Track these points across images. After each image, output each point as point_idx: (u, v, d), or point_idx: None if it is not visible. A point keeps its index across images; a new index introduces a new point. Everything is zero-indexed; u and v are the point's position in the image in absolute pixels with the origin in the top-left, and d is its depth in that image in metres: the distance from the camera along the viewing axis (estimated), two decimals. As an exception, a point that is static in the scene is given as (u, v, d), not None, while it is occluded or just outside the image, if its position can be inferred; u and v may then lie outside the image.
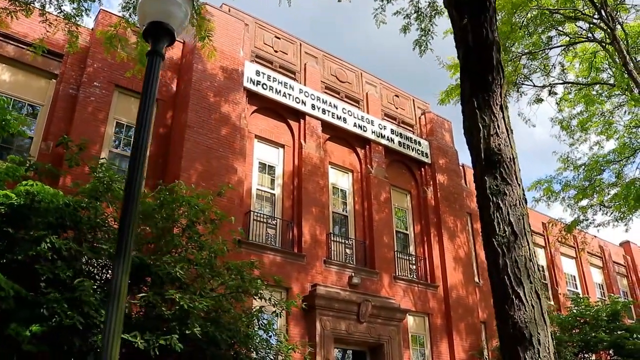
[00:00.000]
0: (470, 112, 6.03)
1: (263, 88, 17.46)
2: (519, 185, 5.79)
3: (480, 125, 5.89)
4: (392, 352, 16.68)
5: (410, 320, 18.26)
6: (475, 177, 5.98)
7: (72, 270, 8.09)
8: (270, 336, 10.28)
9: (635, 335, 18.68)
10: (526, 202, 5.80)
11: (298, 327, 15.41)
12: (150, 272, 8.76)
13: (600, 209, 22.66)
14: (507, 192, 5.69)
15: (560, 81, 20.97)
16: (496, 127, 5.85)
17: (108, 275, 9.02)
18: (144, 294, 8.33)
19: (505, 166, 5.75)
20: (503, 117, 5.92)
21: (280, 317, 12.07)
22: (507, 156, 5.78)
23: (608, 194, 21.87)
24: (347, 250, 17.83)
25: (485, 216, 5.76)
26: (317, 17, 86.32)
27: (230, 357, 9.10)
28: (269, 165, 17.39)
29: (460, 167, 23.27)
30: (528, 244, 5.60)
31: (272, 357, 10.09)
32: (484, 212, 5.78)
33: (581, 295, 25.54)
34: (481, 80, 5.98)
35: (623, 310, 20.05)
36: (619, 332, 18.58)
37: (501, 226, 5.63)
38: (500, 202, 5.67)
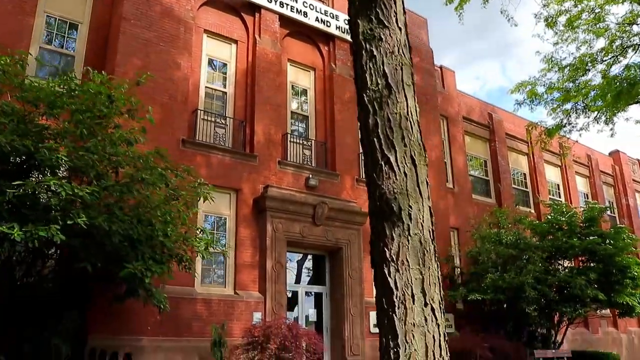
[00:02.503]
0: (348, -59, 4.85)
1: (213, -23, 15.98)
2: (400, 29, 4.70)
3: (356, -45, 4.74)
4: (351, 256, 16.08)
5: (373, 225, 17.53)
6: (349, 21, 4.88)
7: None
8: (185, 232, 9.46)
9: (608, 241, 18.00)
10: (409, 51, 4.72)
11: (248, 229, 14.73)
12: (35, 159, 7.85)
13: (584, 111, 21.50)
14: (383, 37, 4.61)
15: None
16: (374, -44, 4.69)
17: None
18: (20, 182, 7.43)
19: (382, 5, 4.64)
20: (385, -55, 4.74)
21: (194, 208, 11.13)
22: (385, -8, 4.66)
23: (591, 95, 20.61)
24: (306, 152, 16.88)
25: (357, 67, 4.74)
26: None
27: (130, 251, 8.32)
28: (220, 62, 16.16)
29: (437, 68, 21.97)
30: (406, 100, 4.58)
31: (184, 250, 9.28)
32: (356, 63, 4.74)
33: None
34: None
35: (600, 216, 19.26)
36: (591, 238, 17.90)
37: (374, 78, 4.60)
38: (374, 49, 4.61)
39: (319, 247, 16.09)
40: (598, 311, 20.62)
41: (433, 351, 4.26)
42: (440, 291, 4.44)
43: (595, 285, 17.49)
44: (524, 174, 25.78)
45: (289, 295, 15.26)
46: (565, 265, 19.36)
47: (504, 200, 22.91)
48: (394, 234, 4.39)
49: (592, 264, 18.35)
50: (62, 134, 8.88)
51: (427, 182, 4.58)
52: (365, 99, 4.59)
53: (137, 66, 13.76)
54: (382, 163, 4.48)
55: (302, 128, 17.48)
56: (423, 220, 4.43)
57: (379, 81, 4.56)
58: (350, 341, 15.52)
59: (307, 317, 15.94)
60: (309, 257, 16.58)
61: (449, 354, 4.45)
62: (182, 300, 13.17)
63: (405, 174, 4.45)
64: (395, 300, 4.32)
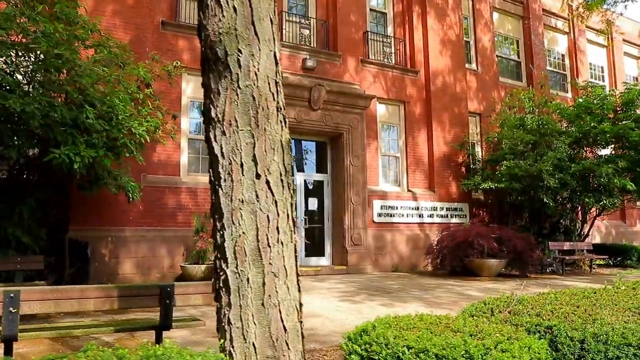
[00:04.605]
0: None
1: None
2: None
3: None
4: (352, 142, 15.11)
5: (381, 108, 16.37)
6: None
7: None
8: (131, 115, 8.58)
9: (644, 125, 16.17)
10: None
11: (238, 116, 13.86)
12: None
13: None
14: None
15: None
16: None
17: None
18: None
19: None
20: None
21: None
22: None
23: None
24: (304, 31, 15.51)
25: None
26: None
27: (64, 135, 7.58)
28: None
29: None
30: None
31: (125, 134, 8.47)
32: None
33: (608, 88, 22.75)
34: None
35: (638, 98, 17.16)
36: (624, 123, 16.12)
37: None
38: None
39: (318, 133, 15.17)
40: (636, 202, 19.22)
41: (267, 235, 3.38)
42: (283, 160, 3.50)
43: (632, 175, 16.06)
44: (562, 55, 23.53)
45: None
46: (596, 153, 17.80)
47: (537, 84, 21.02)
48: (220, 87, 3.41)
49: (626, 153, 16.66)
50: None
51: (271, 20, 3.51)
52: None
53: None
54: (207, -4, 3.42)
55: (300, 5, 16.02)
56: (258, 69, 3.41)
57: None
58: (351, 231, 14.91)
59: (307, 206, 15.33)
60: (312, 143, 15.69)
61: (295, 240, 3.57)
62: (166, 190, 12.71)
63: (235, 9, 3.38)
64: (221, 170, 3.41)
